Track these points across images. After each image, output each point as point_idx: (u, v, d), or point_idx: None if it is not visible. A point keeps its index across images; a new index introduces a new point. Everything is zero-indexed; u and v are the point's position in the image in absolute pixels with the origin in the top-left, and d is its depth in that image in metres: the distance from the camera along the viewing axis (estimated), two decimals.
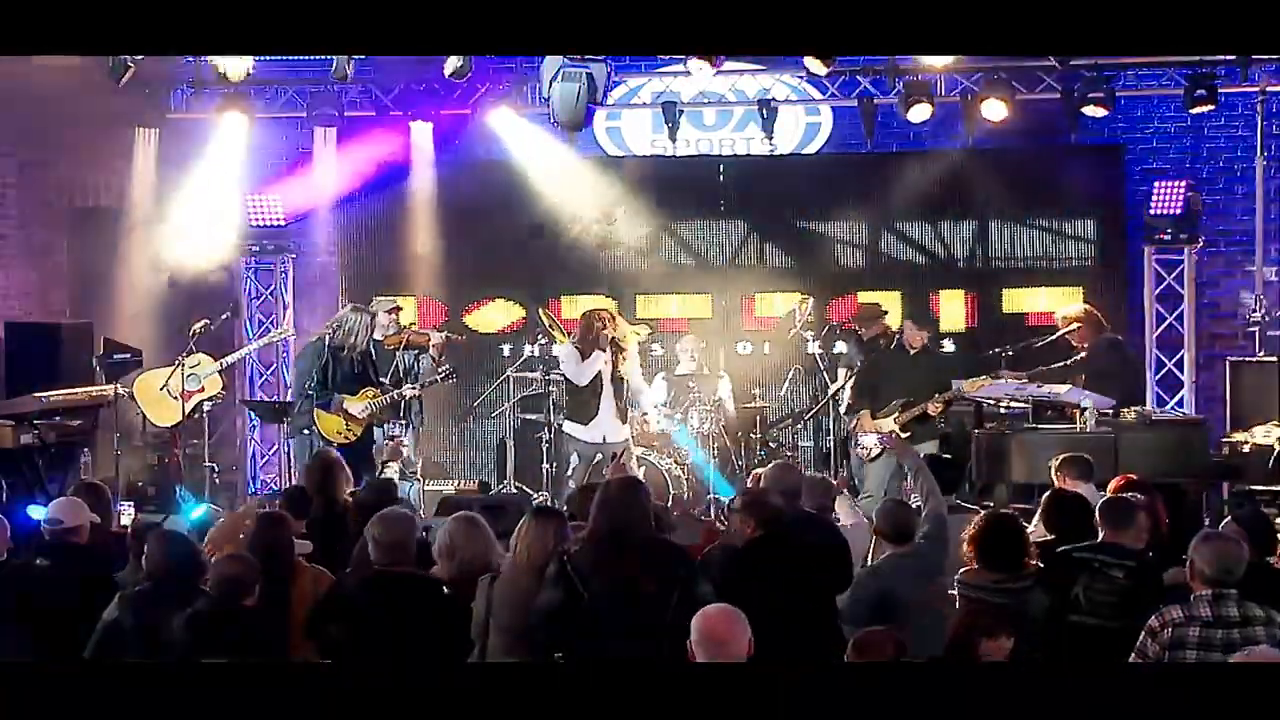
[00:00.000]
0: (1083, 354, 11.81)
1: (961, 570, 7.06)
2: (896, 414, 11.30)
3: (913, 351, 11.62)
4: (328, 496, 8.56)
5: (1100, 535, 7.28)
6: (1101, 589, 6.88)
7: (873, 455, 11.38)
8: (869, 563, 7.90)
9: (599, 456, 11.14)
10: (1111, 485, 8.43)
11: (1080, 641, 6.75)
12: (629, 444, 11.36)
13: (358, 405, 11.25)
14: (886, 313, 12.67)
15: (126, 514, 9.78)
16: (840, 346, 12.63)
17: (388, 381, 11.62)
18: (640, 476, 10.82)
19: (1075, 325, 11.97)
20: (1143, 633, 6.35)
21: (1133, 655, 6.39)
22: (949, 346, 13.88)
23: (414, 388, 11.72)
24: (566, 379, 11.53)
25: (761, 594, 6.74)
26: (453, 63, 12.28)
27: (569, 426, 11.54)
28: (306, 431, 11.34)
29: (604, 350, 11.24)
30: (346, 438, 11.21)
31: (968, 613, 6.51)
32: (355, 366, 11.36)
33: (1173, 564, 6.87)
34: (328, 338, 11.40)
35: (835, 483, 9.28)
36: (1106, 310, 12.50)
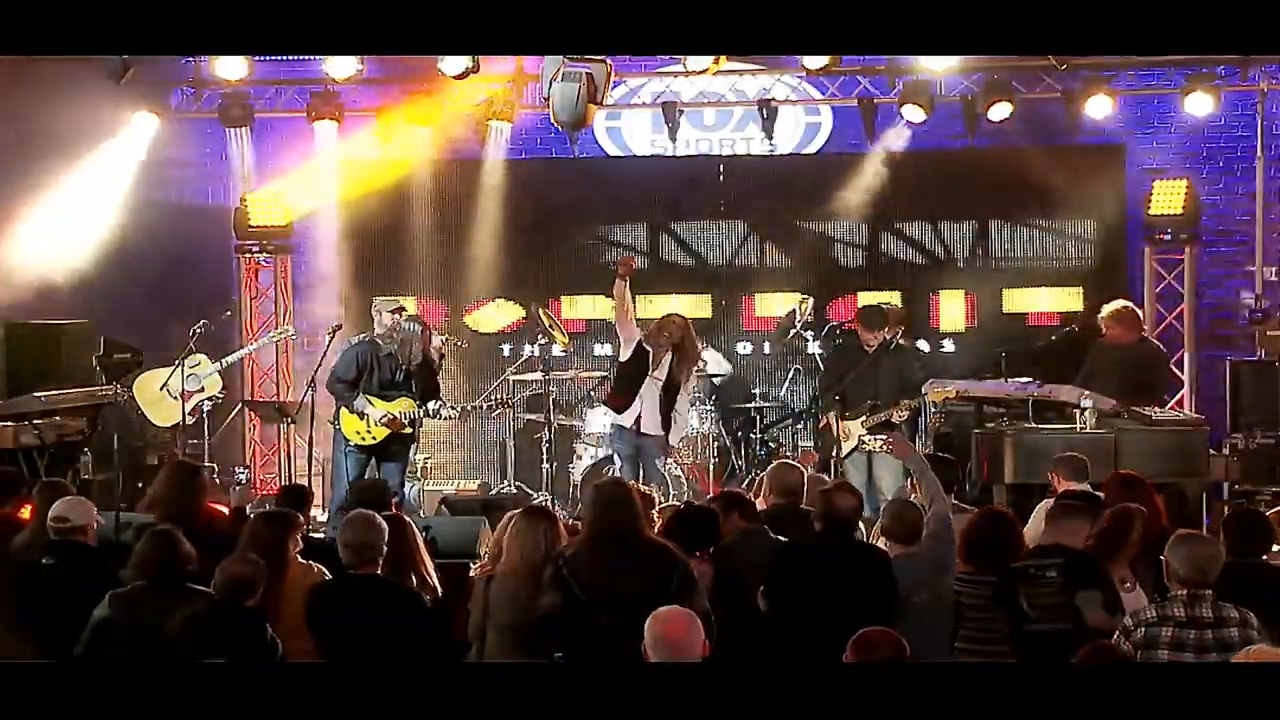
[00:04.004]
0: (1115, 354, 11.75)
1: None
2: (864, 417, 11.22)
3: (870, 350, 11.51)
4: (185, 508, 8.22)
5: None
6: (1044, 593, 6.91)
7: (844, 454, 11.33)
8: None
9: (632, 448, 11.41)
10: (1104, 482, 8.49)
11: (1042, 649, 6.73)
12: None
13: (378, 411, 11.22)
14: (885, 315, 12.43)
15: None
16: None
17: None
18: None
19: (1113, 325, 11.92)
20: (1116, 631, 6.38)
21: None
22: (949, 346, 13.93)
23: (454, 409, 11.64)
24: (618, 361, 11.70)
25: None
26: (460, 63, 12.26)
27: (609, 415, 11.71)
28: (335, 425, 11.40)
29: (655, 346, 11.38)
30: (365, 440, 11.22)
31: None
32: (396, 374, 11.33)
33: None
34: (380, 343, 11.40)
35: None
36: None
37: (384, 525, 7.03)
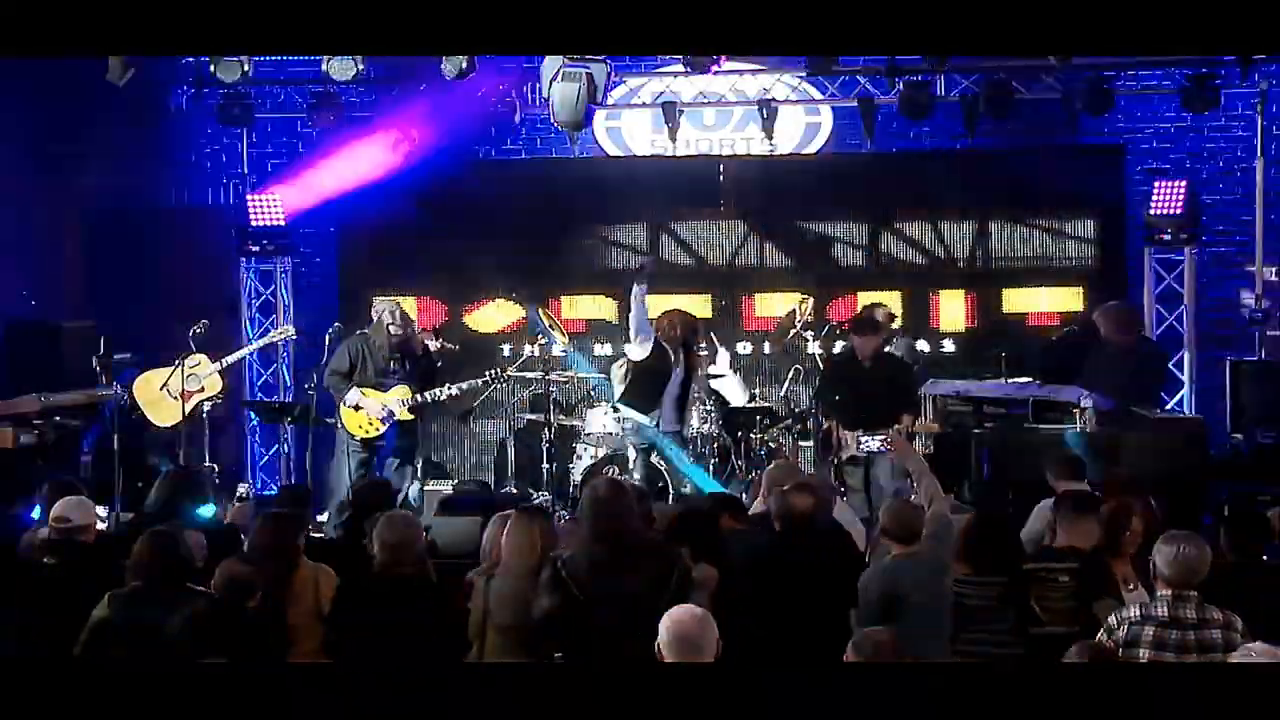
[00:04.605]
0: (1114, 353, 11.76)
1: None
2: (862, 430, 11.18)
3: (865, 361, 11.45)
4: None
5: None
6: (1055, 596, 6.92)
7: (845, 458, 11.32)
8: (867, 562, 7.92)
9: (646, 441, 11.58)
10: (1102, 482, 8.52)
11: (1050, 653, 6.75)
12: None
13: (374, 403, 11.22)
14: (878, 322, 12.33)
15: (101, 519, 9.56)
16: (839, 346, 12.62)
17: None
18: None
19: (1109, 325, 11.93)
20: (1101, 629, 6.41)
21: None
22: (949, 346, 13.93)
23: (450, 390, 11.60)
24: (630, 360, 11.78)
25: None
26: (455, 63, 12.23)
27: (627, 410, 11.74)
28: (338, 425, 11.38)
29: (674, 343, 11.56)
30: (368, 432, 11.24)
31: None
32: (390, 364, 11.37)
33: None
34: (369, 334, 11.47)
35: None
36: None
37: (420, 525, 7.05)
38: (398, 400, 11.31)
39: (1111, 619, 6.39)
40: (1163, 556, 6.31)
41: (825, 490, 8.68)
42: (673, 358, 11.61)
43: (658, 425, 11.58)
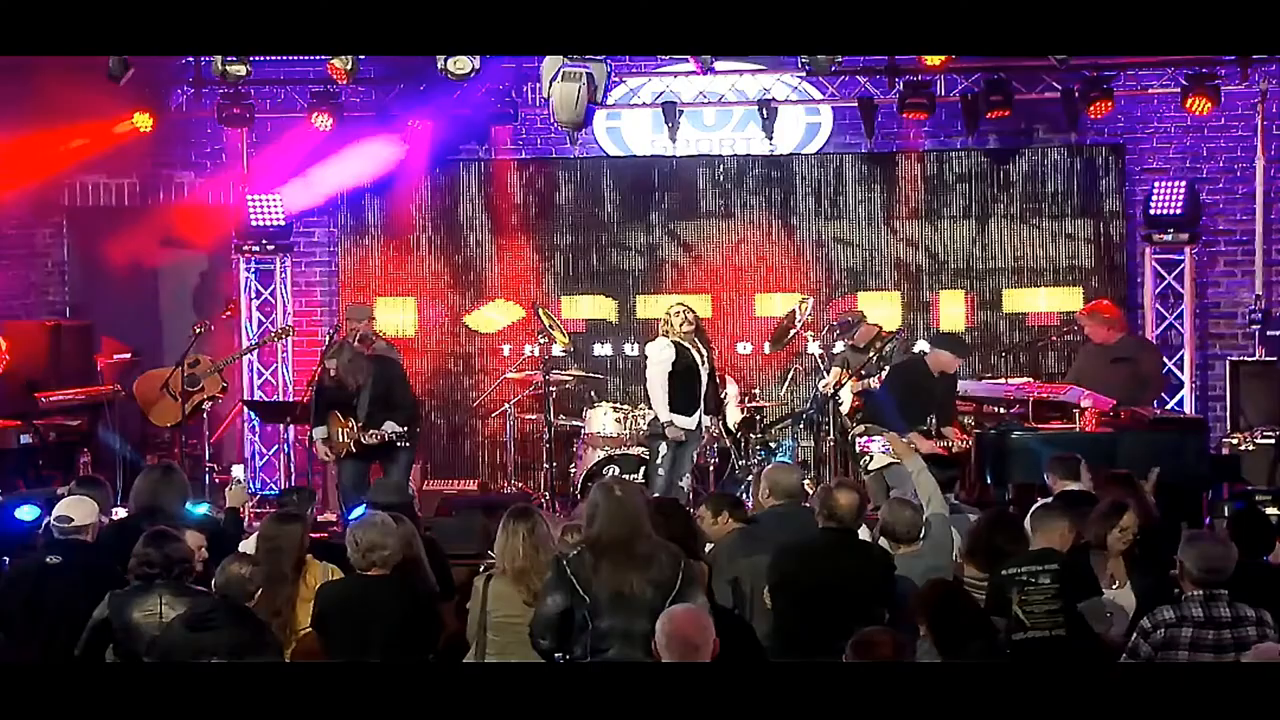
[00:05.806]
0: (1104, 353, 11.75)
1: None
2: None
3: (937, 374, 11.35)
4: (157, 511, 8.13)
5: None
6: (1038, 600, 6.90)
7: (869, 467, 11.31)
8: None
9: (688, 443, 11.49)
10: (1098, 481, 8.53)
11: (1033, 658, 6.74)
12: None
13: (322, 432, 11.09)
14: (864, 315, 12.55)
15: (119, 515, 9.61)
16: (839, 346, 12.63)
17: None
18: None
19: (1092, 322, 11.93)
20: (1134, 633, 6.40)
21: (1124, 655, 6.44)
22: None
23: (374, 436, 10.94)
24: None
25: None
26: (461, 63, 12.17)
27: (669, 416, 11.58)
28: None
29: (692, 342, 11.54)
30: (334, 455, 11.15)
31: None
32: (336, 391, 11.14)
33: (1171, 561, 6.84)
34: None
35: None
36: None
37: (394, 526, 7.04)
38: (339, 430, 11.08)
39: (1145, 622, 6.36)
40: (1189, 557, 6.31)
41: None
42: (695, 356, 11.54)
43: (698, 428, 11.54)
